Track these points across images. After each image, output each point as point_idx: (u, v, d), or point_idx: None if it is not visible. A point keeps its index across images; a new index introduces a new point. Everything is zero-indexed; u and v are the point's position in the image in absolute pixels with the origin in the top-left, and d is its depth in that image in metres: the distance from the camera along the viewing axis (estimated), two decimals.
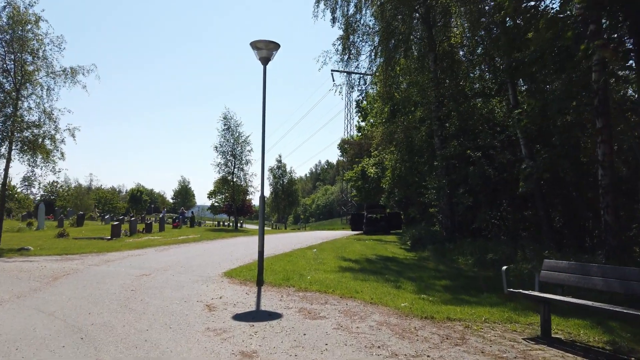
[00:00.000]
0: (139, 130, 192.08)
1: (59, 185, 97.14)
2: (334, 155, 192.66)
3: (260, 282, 7.70)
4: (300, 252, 13.56)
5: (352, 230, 34.75)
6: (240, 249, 15.02)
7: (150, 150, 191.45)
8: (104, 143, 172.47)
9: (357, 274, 9.16)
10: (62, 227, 23.33)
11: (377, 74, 17.47)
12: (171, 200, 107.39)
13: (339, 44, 16.83)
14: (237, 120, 32.42)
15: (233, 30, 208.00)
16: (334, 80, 72.57)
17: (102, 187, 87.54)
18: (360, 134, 40.97)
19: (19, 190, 69.99)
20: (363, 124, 40.38)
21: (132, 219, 20.60)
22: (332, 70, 73.67)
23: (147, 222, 22.09)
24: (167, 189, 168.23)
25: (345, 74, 72.83)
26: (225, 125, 32.22)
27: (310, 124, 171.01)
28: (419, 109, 15.92)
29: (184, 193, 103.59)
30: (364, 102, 18.85)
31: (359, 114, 39.68)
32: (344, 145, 41.46)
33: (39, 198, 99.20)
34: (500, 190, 13.90)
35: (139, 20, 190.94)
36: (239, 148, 32.36)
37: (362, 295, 6.62)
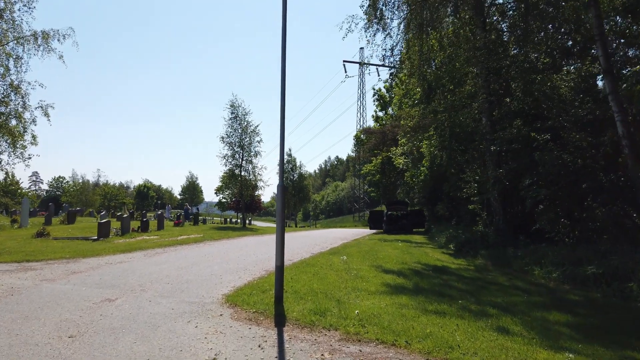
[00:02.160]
0: (148, 127, 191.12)
1: (64, 181, 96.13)
2: (343, 151, 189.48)
3: (280, 320, 4.86)
4: (324, 259, 10.72)
5: (371, 228, 31.86)
6: (249, 253, 12.25)
7: (160, 147, 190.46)
8: (114, 140, 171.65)
9: (418, 298, 6.28)
10: (48, 225, 20.83)
11: (411, 43, 14.47)
12: (179, 197, 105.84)
13: (367, 4, 13.85)
14: (245, 109, 29.76)
15: (242, 28, 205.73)
16: (346, 72, 69.59)
17: (109, 183, 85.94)
18: (377, 124, 37.95)
19: (24, 185, 68.06)
20: (381, 114, 37.36)
21: (125, 215, 17.91)
22: (344, 61, 70.88)
23: (143, 219, 19.43)
24: (176, 185, 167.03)
25: (358, 65, 69.30)
26: (232, 113, 29.54)
27: (320, 119, 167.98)
28: (469, 82, 12.91)
29: (192, 189, 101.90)
30: (396, 80, 15.79)
31: (378, 102, 36.61)
32: (361, 136, 38.35)
33: (45, 194, 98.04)
34: (579, 181, 10.88)
35: (150, 23, 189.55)
36: (247, 139, 29.65)
37: (465, 356, 3.75)
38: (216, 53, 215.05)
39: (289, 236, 22.66)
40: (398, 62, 14.04)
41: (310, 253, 12.86)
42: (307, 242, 17.36)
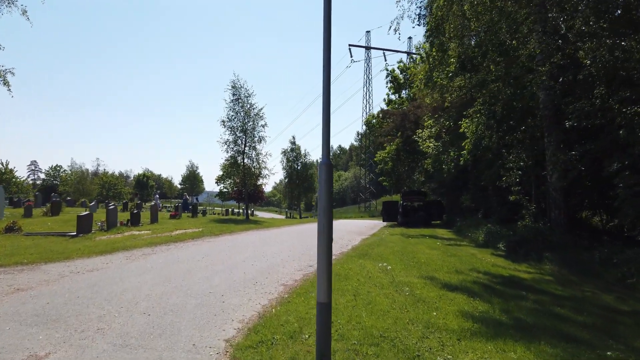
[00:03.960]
0: (150, 116, 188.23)
1: (62, 170, 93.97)
2: (346, 141, 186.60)
3: None
4: (355, 266, 8.31)
5: (384, 220, 29.54)
6: (257, 255, 9.82)
7: (161, 136, 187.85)
8: (115, 129, 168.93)
9: (541, 347, 3.91)
10: (28, 217, 18.51)
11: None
12: (179, 186, 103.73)
13: None
14: (248, 90, 27.19)
15: (246, 17, 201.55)
16: (351, 56, 66.68)
17: (109, 172, 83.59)
18: (390, 109, 35.25)
19: (19, 174, 66.08)
20: (394, 97, 34.65)
21: (111, 206, 15.53)
22: (350, 45, 67.85)
23: (133, 211, 17.03)
24: (176, 175, 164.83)
25: (364, 49, 66.27)
26: (234, 95, 26.97)
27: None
28: (532, 41, 10.28)
29: (192, 178, 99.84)
30: (433, 46, 13.25)
31: (391, 85, 33.86)
32: (372, 120, 35.56)
33: (42, 183, 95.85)
34: None
35: (154, 16, 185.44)
36: (251, 123, 27.14)
37: None
38: (218, 48, 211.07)
39: (296, 229, 20.30)
40: (433, 22, 11.38)
41: (332, 256, 10.47)
42: None
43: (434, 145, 15.18)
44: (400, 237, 15.75)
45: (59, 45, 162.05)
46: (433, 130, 16.51)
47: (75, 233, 13.04)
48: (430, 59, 17.03)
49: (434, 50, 12.94)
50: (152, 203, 19.56)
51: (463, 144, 12.20)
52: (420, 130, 17.09)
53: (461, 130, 12.31)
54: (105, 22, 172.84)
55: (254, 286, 6.49)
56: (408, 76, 32.47)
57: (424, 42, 21.35)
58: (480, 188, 20.95)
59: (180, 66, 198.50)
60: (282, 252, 10.61)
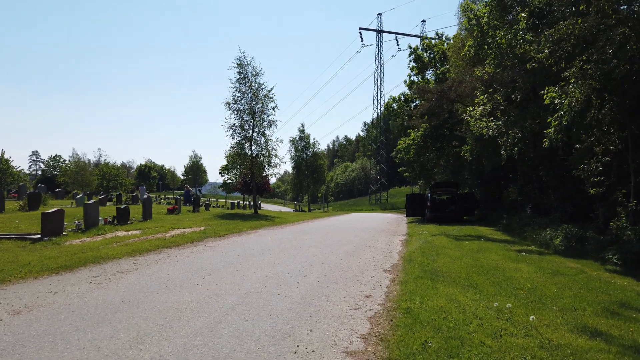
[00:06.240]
0: (153, 106, 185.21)
1: (61, 160, 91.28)
2: (352, 131, 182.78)
3: None
4: (444, 302, 5.28)
5: (408, 215, 26.54)
6: (282, 271, 6.73)
7: (164, 126, 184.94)
8: (118, 120, 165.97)
9: None
10: (0, 212, 15.60)
11: None
12: (182, 177, 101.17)
13: None
14: (255, 68, 24.00)
15: (249, 4, 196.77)
16: (362, 40, 63.19)
17: (110, 163, 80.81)
18: (411, 92, 31.88)
19: (20, 164, 62.91)
20: (416, 78, 31.25)
21: (91, 201, 12.53)
22: (360, 29, 64.27)
23: (120, 206, 14.01)
24: (179, 165, 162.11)
25: (375, 32, 62.64)
26: (240, 74, 23.78)
27: (330, 96, 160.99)
28: None
29: (195, 169, 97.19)
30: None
31: (415, 65, 30.40)
32: (392, 105, 32.17)
33: (40, 173, 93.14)
34: None
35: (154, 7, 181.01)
36: (259, 105, 23.98)
37: None
38: (222, 37, 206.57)
39: (314, 226, 17.16)
40: None
41: (381, 269, 7.45)
42: (349, 239, 11.90)
43: (495, 125, 12.01)
44: (448, 240, 12.69)
45: (62, 35, 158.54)
46: (487, 107, 13.33)
47: (39, 236, 10.05)
48: (484, 20, 13.80)
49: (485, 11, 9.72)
50: (145, 196, 16.50)
51: (549, 120, 9.06)
52: (470, 108, 13.88)
53: (546, 101, 9.19)
54: (109, 12, 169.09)
55: (295, 357, 3.47)
56: (434, 54, 29.00)
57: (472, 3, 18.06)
58: (530, 179, 17.83)
59: (184, 57, 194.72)
60: (313, 267, 7.58)
